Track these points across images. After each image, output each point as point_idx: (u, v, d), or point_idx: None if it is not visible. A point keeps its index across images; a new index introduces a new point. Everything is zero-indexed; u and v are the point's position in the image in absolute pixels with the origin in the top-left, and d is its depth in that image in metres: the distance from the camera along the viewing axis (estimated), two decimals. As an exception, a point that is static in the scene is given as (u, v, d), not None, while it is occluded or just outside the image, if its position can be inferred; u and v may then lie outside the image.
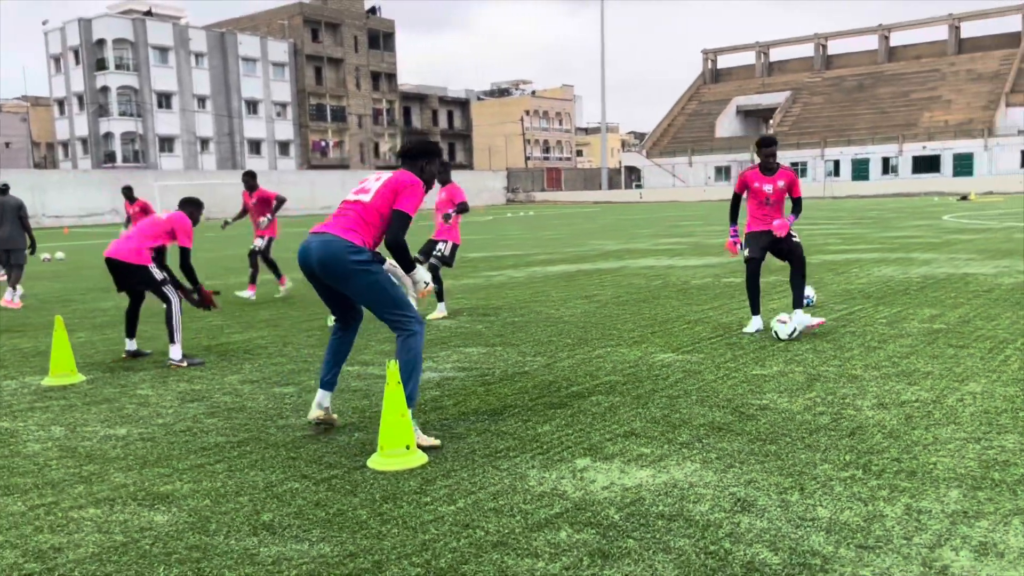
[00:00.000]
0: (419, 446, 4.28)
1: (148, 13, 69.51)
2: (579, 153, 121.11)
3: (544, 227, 32.07)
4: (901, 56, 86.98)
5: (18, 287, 11.63)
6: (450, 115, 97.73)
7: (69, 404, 5.71)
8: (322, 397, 4.79)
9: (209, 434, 4.87)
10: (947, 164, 69.05)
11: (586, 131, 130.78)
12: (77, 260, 20.82)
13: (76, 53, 66.60)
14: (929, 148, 69.82)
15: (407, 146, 4.78)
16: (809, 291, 9.06)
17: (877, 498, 3.43)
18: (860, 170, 73.41)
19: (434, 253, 9.17)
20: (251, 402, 5.62)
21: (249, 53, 73.90)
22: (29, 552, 3.22)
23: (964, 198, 49.35)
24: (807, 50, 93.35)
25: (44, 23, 69.53)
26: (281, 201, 11.56)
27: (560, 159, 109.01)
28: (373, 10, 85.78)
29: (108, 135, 66.36)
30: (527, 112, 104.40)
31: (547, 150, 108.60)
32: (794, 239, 7.76)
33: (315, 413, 4.78)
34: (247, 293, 11.28)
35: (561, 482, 3.80)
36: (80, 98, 67.14)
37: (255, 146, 75.01)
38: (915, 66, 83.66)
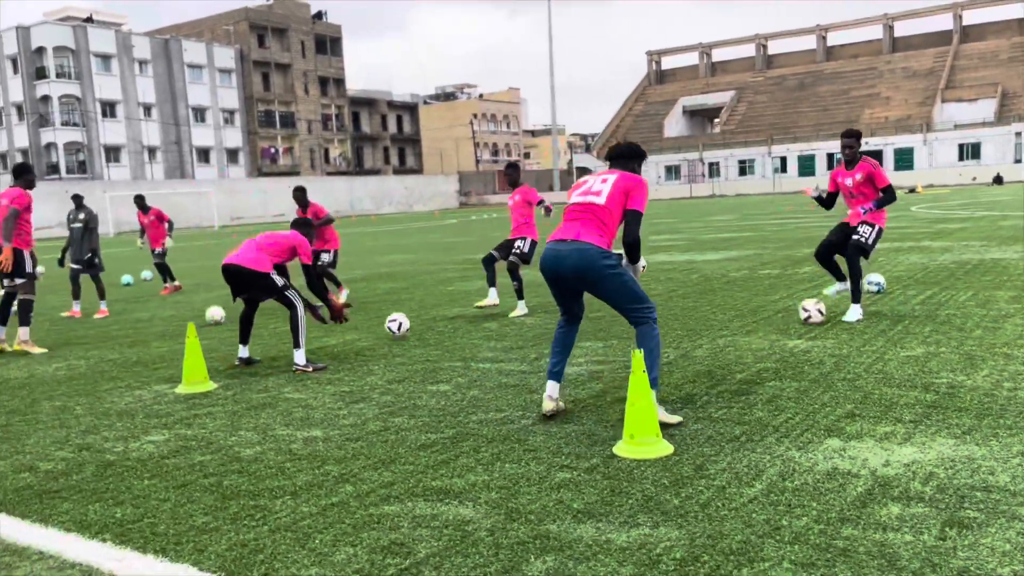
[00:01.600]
0: (662, 423, 4.43)
1: (89, 20, 67.43)
2: (527, 155, 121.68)
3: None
4: (839, 55, 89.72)
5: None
6: (399, 119, 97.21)
7: (231, 410, 5.56)
8: (552, 389, 4.91)
9: (412, 432, 4.81)
10: (889, 159, 71.44)
11: (532, 133, 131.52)
12: (60, 273, 20.05)
13: (14, 62, 64.18)
14: (871, 143, 72.10)
15: (620, 150, 5.05)
16: (880, 278, 9.34)
17: None
18: (806, 166, 75.44)
19: (513, 251, 9.23)
20: (419, 401, 5.57)
21: (195, 60, 72.35)
22: (376, 548, 3.16)
23: (912, 191, 51.18)
24: (748, 50, 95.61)
25: (-23, 31, 66.80)
26: (330, 220, 11.23)
27: (509, 161, 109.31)
28: (319, 15, 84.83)
29: (50, 146, 64.11)
30: (475, 115, 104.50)
31: (496, 153, 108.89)
32: (854, 237, 7.75)
33: (549, 406, 4.88)
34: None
35: (834, 462, 3.88)
36: (19, 108, 64.71)
37: (204, 154, 73.43)
38: (853, 65, 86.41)
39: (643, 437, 4.18)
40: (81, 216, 11.37)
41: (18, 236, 8.55)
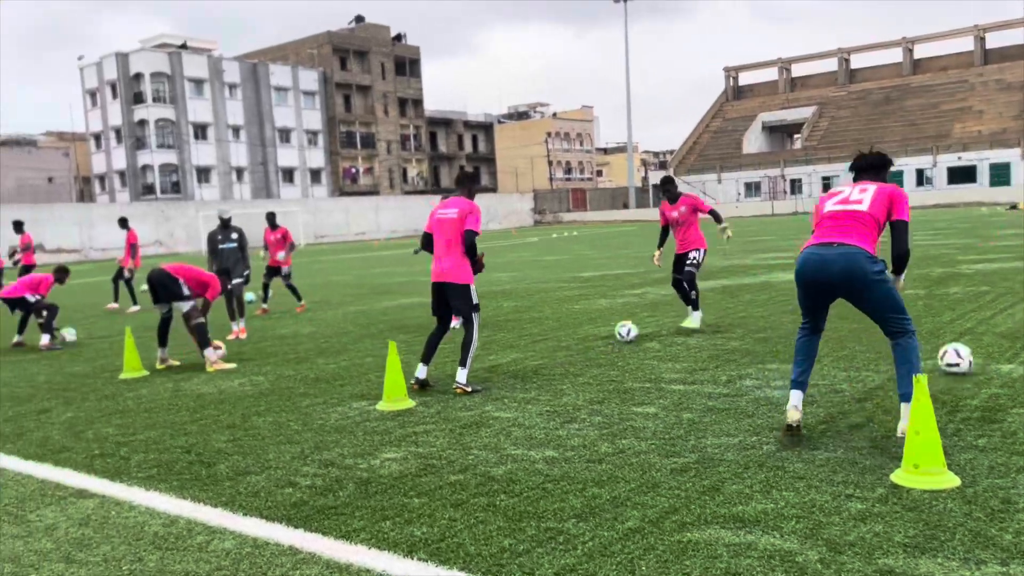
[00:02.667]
0: None
1: (183, 46, 70.15)
2: (599, 173, 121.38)
3: (612, 246, 31.84)
4: (926, 68, 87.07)
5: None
6: (474, 139, 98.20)
7: (446, 429, 5.55)
8: (797, 399, 4.84)
9: (651, 455, 4.70)
10: (983, 174, 68.87)
11: (605, 151, 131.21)
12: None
13: (113, 87, 67.19)
14: (964, 158, 69.67)
15: (870, 160, 4.98)
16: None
17: None
18: (894, 182, 73.18)
19: (687, 263, 9.23)
20: (635, 423, 5.45)
21: (281, 82, 74.53)
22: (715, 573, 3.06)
23: (1014, 207, 49.12)
24: (830, 65, 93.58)
25: (80, 58, 70.27)
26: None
27: (582, 179, 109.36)
28: (399, 37, 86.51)
29: (146, 167, 66.78)
30: (549, 134, 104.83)
31: (569, 171, 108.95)
32: None
33: (795, 416, 4.80)
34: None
35: None
36: (117, 131, 67.66)
37: (288, 174, 75.40)
38: (942, 77, 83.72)
39: (928, 467, 3.98)
40: (233, 236, 11.40)
41: (180, 268, 8.79)
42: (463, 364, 6.78)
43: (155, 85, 66.16)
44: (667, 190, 9.44)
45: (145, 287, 9.23)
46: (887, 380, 6.24)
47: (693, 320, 9.27)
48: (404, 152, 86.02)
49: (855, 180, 4.96)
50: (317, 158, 77.78)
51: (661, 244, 9.68)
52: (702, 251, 9.34)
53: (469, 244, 6.78)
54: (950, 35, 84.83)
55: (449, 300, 6.88)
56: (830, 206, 4.77)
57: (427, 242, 7.06)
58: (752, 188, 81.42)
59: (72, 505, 4.26)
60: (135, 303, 16.42)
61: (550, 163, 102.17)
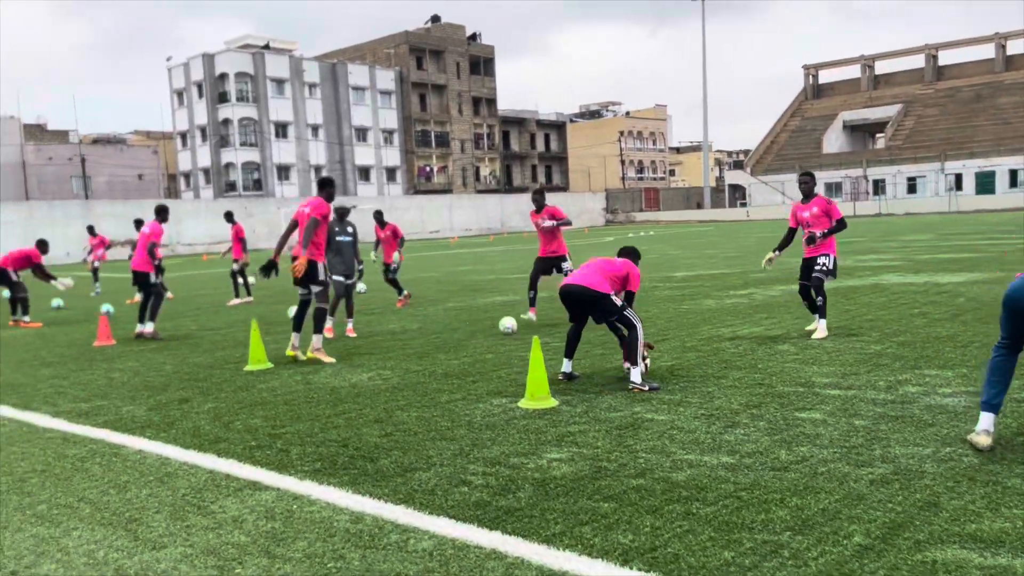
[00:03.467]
0: None
1: (266, 47, 71.80)
2: (671, 172, 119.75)
3: (694, 246, 31.16)
4: (1020, 64, 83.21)
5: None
6: (547, 138, 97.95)
7: (601, 430, 5.32)
8: (989, 423, 4.54)
9: (837, 464, 4.40)
10: (1084, 175, 65.41)
11: (678, 150, 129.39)
12: (273, 284, 20.87)
13: (199, 87, 69.20)
14: (1063, 159, 66.29)
15: None
16: None
17: None
18: (985, 183, 70.20)
19: (816, 268, 8.68)
20: (803, 429, 5.14)
21: (358, 82, 75.59)
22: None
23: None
24: (916, 62, 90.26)
25: (168, 59, 72.60)
26: (567, 222, 11.04)
27: (654, 179, 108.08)
28: (474, 36, 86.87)
29: (229, 165, 68.57)
30: (622, 133, 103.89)
31: (641, 170, 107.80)
32: None
33: (986, 441, 4.49)
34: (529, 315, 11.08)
35: None
36: (202, 130, 69.66)
37: (364, 173, 76.45)
38: (1037, 74, 79.90)
39: None
40: (349, 229, 10.87)
41: (314, 246, 8.72)
42: (633, 363, 6.56)
43: (239, 85, 67.86)
44: (803, 182, 8.93)
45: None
46: (1071, 390, 5.78)
47: (820, 329, 8.71)
48: (477, 151, 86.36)
49: None
50: (393, 157, 78.66)
51: (781, 248, 9.12)
52: (832, 257, 8.70)
53: (624, 307, 6.68)
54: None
55: (587, 308, 6.71)
56: None
57: None
58: (833, 189, 79.07)
59: (251, 497, 4.19)
60: (237, 295, 16.70)
61: (622, 162, 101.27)
